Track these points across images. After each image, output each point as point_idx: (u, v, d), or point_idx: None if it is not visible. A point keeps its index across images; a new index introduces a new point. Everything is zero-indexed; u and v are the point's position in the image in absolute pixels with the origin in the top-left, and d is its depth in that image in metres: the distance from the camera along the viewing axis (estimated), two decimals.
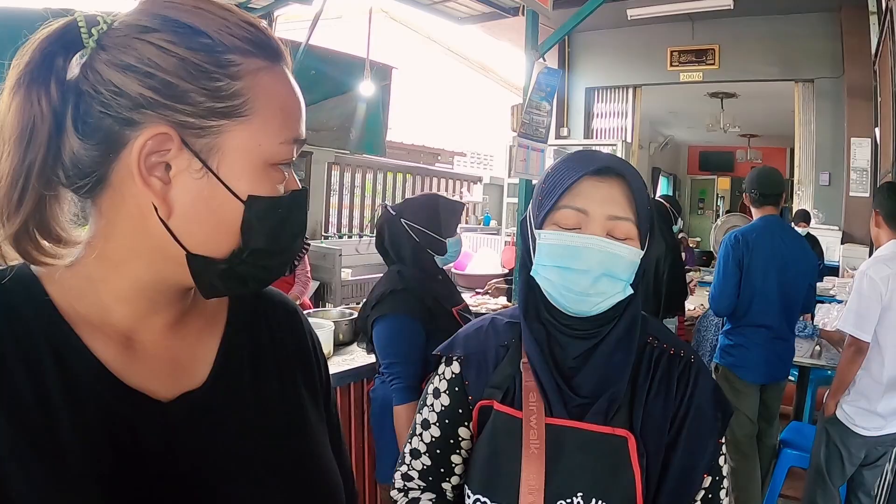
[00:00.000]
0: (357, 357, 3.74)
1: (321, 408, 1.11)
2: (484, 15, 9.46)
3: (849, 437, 3.52)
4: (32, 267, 0.85)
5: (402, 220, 2.98)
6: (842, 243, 8.60)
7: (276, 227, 0.87)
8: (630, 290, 1.37)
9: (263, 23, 0.91)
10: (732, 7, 8.80)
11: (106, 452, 0.79)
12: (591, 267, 1.33)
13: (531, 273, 1.42)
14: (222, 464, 0.90)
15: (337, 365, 3.56)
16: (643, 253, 1.38)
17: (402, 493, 1.55)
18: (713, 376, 4.29)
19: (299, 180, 0.94)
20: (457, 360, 1.53)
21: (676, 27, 10.25)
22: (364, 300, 3.16)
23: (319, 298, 6.68)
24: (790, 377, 4.83)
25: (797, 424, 4.95)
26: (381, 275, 3.11)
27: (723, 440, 1.46)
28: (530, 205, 1.48)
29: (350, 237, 9.02)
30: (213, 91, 0.81)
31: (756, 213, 4.39)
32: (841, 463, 3.58)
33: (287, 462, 0.98)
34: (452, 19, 9.79)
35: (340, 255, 6.84)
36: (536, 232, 1.41)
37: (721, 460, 1.45)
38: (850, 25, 8.67)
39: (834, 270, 8.08)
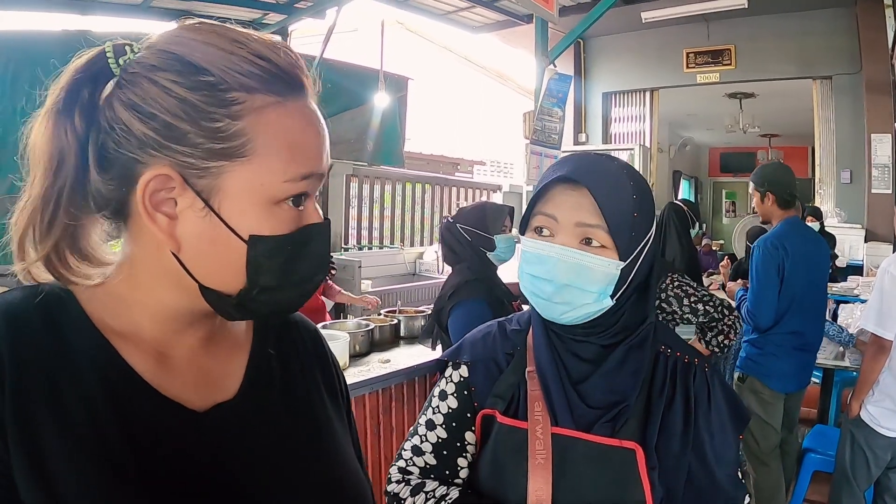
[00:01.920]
0: (373, 368, 3.74)
1: (343, 418, 1.13)
2: (498, 23, 9.51)
3: (874, 438, 3.45)
4: (69, 286, 0.87)
5: (457, 224, 3.33)
6: (865, 241, 8.50)
7: (286, 264, 0.86)
8: (609, 302, 1.33)
9: (284, 52, 0.88)
10: (747, 6, 8.75)
11: (152, 458, 0.81)
12: (554, 277, 1.32)
13: (518, 275, 1.42)
14: (258, 472, 0.92)
15: (352, 376, 3.56)
16: (625, 264, 1.32)
17: (404, 484, 1.49)
18: (734, 386, 4.30)
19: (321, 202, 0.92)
20: (465, 364, 1.51)
21: (691, 28, 10.20)
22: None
23: (340, 311, 6.68)
24: (814, 380, 4.77)
25: (821, 428, 4.87)
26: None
27: (741, 449, 1.43)
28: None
29: (370, 248, 9.02)
30: (213, 132, 0.81)
31: (779, 215, 4.17)
32: (867, 466, 3.51)
33: (318, 469, 1.00)
34: (467, 28, 9.84)
35: (360, 266, 6.85)
36: (521, 236, 1.42)
37: (739, 474, 1.42)
38: (867, 20, 8.58)
39: (858, 269, 7.97)
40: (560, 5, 7.11)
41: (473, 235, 3.30)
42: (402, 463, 1.52)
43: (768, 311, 3.97)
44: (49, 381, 0.78)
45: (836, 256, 7.88)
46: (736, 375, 4.31)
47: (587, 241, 1.32)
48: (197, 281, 0.85)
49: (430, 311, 5.02)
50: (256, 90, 0.82)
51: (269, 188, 0.83)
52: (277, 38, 0.91)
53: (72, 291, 0.86)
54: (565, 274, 1.31)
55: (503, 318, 1.62)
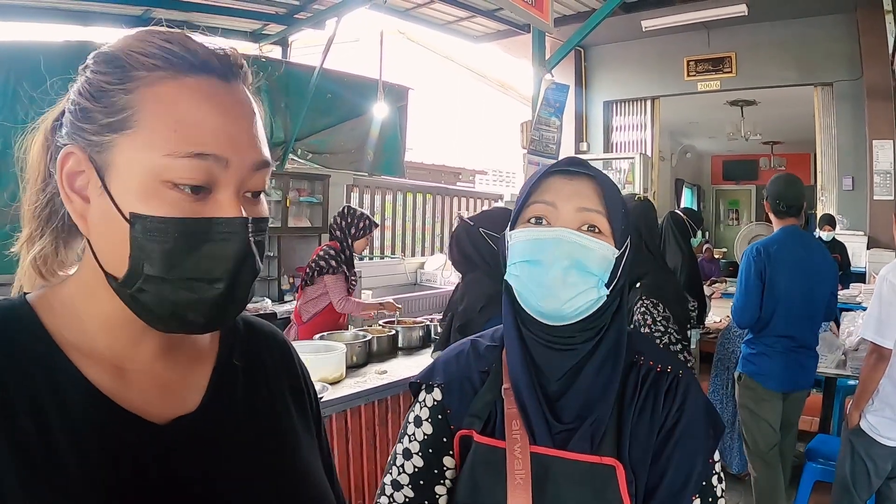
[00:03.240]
0: (369, 379, 3.74)
1: (313, 435, 1.11)
2: (499, 33, 9.52)
3: (874, 448, 3.42)
4: (29, 298, 0.89)
5: (479, 228, 3.13)
6: (867, 248, 8.46)
7: (174, 254, 0.81)
8: (605, 290, 1.31)
9: (195, 36, 0.88)
10: (747, 13, 8.76)
11: (107, 474, 0.80)
12: (558, 258, 1.28)
13: (505, 277, 1.37)
14: (217, 487, 0.90)
15: (349, 387, 3.56)
16: (619, 252, 1.32)
17: None
18: (736, 386, 4.33)
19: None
20: (438, 387, 1.47)
21: (692, 36, 10.21)
22: (449, 310, 3.32)
23: (339, 320, 6.67)
24: (815, 389, 4.76)
25: (823, 437, 4.85)
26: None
27: (716, 459, 1.39)
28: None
29: (371, 258, 9.02)
30: (109, 107, 0.82)
31: (777, 224, 4.31)
32: (867, 475, 3.48)
33: (281, 486, 0.98)
34: (468, 38, 9.86)
35: (361, 276, 6.84)
36: (508, 234, 1.38)
37: (714, 480, 1.37)
38: (867, 26, 8.58)
39: (860, 276, 7.95)
40: (558, 14, 7.12)
41: (496, 241, 3.03)
42: (384, 500, 1.46)
43: (749, 313, 4.21)
44: (2, 400, 0.77)
45: (849, 265, 7.86)
46: (735, 374, 4.47)
47: (589, 228, 1.31)
48: (101, 266, 0.84)
49: (431, 322, 5.04)
50: (157, 67, 0.83)
51: (151, 162, 0.80)
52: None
53: (33, 308, 0.87)
54: (568, 254, 1.28)
55: (475, 336, 1.58)
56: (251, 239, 0.86)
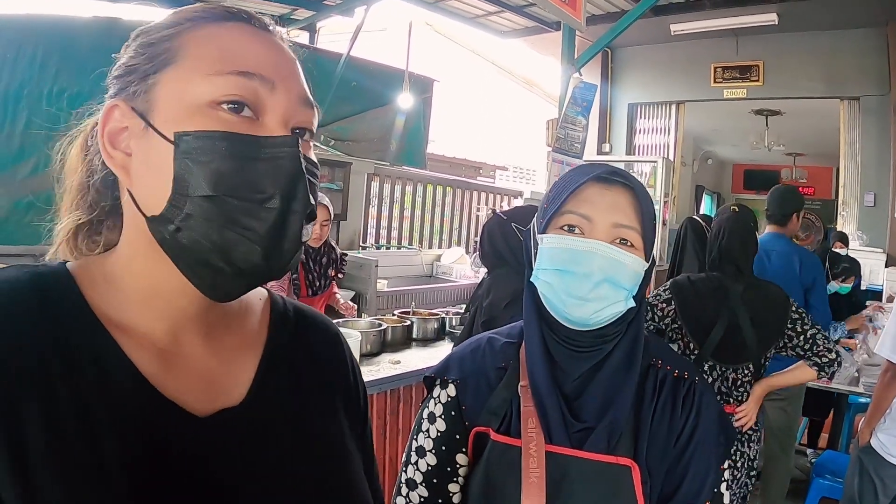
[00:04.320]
0: (382, 368, 3.75)
1: (358, 435, 1.07)
2: (527, 29, 9.51)
3: (883, 467, 3.39)
4: (70, 267, 0.86)
5: (512, 223, 3.12)
6: (886, 266, 8.39)
7: (223, 169, 0.78)
8: (632, 303, 1.32)
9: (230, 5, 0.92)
10: (777, 22, 8.70)
11: (143, 462, 0.77)
12: (592, 271, 1.29)
13: (531, 279, 1.38)
14: (253, 485, 0.86)
15: (363, 375, 3.56)
16: (647, 266, 1.35)
17: None
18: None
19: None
20: (452, 382, 1.46)
21: (720, 43, 10.13)
22: (473, 304, 3.32)
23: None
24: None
25: (831, 453, 4.85)
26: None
27: (726, 466, 1.41)
28: (536, 215, 1.45)
29: (388, 248, 9.02)
30: (152, 54, 0.83)
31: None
32: (875, 494, 3.45)
33: (319, 489, 0.94)
34: (495, 33, 9.85)
35: (377, 265, 6.85)
36: (539, 237, 1.37)
37: (723, 487, 1.40)
38: None
39: (878, 295, 7.90)
40: (589, 14, 7.10)
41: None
42: (400, 500, 1.46)
43: None
44: (42, 372, 0.74)
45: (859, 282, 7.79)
46: None
47: (621, 242, 1.32)
48: (143, 213, 0.81)
49: (446, 314, 5.05)
50: (199, 19, 0.85)
51: (195, 87, 0.79)
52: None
53: (75, 279, 0.84)
54: (602, 269, 1.29)
55: (491, 332, 1.58)
56: (303, 162, 0.82)
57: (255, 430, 0.88)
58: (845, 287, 5.71)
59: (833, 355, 3.15)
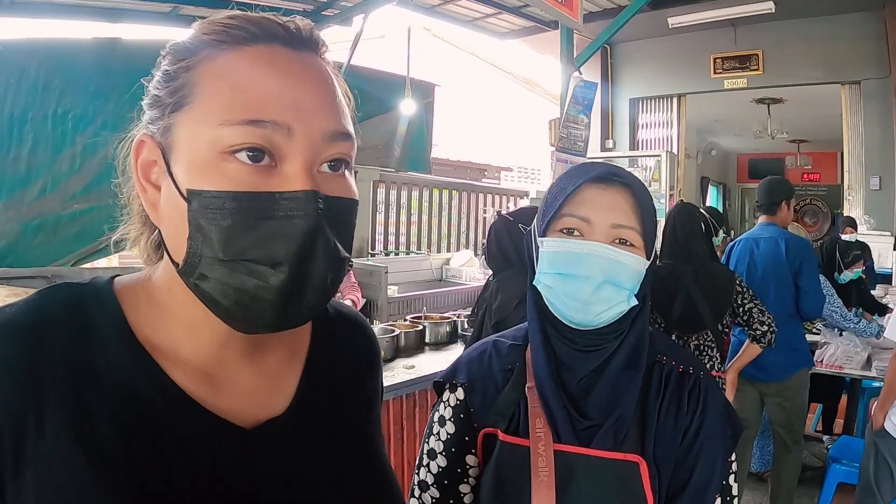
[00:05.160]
0: (397, 374, 3.77)
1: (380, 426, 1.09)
2: (525, 29, 9.53)
3: None
4: (116, 288, 0.85)
5: (519, 224, 3.13)
6: (895, 249, 8.38)
7: (234, 231, 0.74)
8: (634, 301, 1.33)
9: (259, 13, 0.83)
10: (774, 11, 8.70)
11: (191, 478, 0.78)
12: (593, 273, 1.30)
13: (533, 283, 1.39)
14: (298, 494, 0.87)
15: None
16: (649, 263, 1.36)
17: None
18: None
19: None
20: (461, 386, 1.49)
21: (718, 34, 10.15)
22: (480, 307, 3.33)
23: (366, 316, 6.70)
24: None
25: (846, 438, 4.85)
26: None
27: (733, 459, 1.43)
28: (536, 216, 1.45)
29: (397, 254, 9.04)
30: (172, 88, 0.79)
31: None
32: (891, 477, 3.46)
33: (366, 490, 0.95)
34: (494, 35, 9.87)
35: (387, 272, 6.87)
36: (539, 240, 1.38)
37: (731, 479, 1.42)
38: None
39: (888, 278, 7.88)
40: (586, 11, 7.12)
41: None
42: (413, 502, 1.49)
43: None
44: (76, 396, 0.75)
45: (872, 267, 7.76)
46: None
47: (620, 242, 1.33)
48: (170, 256, 0.80)
49: (458, 318, 5.06)
50: (218, 43, 0.79)
51: (207, 134, 0.75)
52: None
53: (119, 301, 0.84)
54: (603, 271, 1.30)
55: (497, 335, 1.60)
56: (322, 216, 0.76)
57: (298, 438, 0.89)
58: (857, 272, 5.70)
59: (765, 327, 3.71)
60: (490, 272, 3.35)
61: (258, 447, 0.84)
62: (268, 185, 0.75)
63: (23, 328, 0.76)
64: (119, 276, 0.89)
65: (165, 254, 0.82)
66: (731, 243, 4.71)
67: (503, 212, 3.27)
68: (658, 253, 1.42)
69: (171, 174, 0.77)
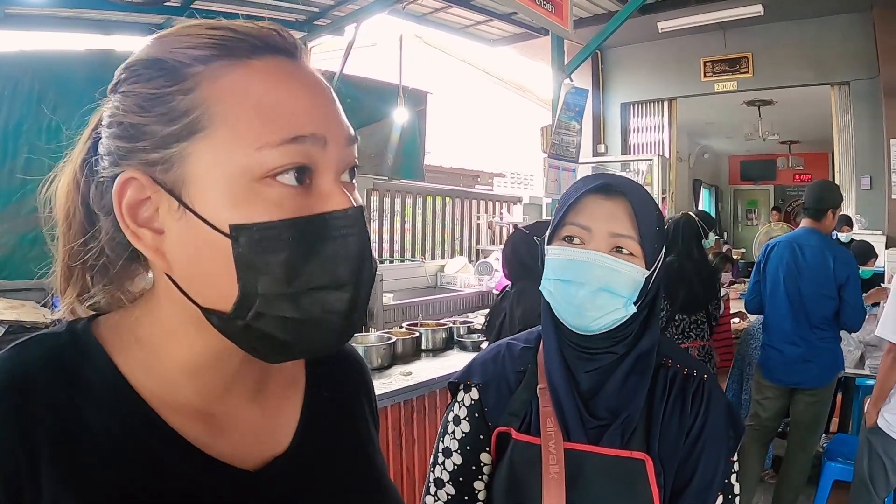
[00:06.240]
0: (394, 381, 3.80)
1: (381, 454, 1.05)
2: (516, 36, 9.54)
3: (892, 446, 3.45)
4: (96, 333, 0.79)
5: (535, 237, 3.14)
6: (886, 248, 8.39)
7: (293, 262, 0.69)
8: (633, 309, 1.39)
9: (244, 22, 0.76)
10: (763, 14, 8.75)
11: None
12: (588, 281, 1.36)
13: (540, 287, 1.46)
14: None
15: (374, 389, 3.60)
16: (649, 272, 1.40)
17: None
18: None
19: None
20: (475, 387, 1.55)
21: (708, 37, 10.18)
22: (497, 316, 3.53)
23: (362, 323, 6.69)
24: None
25: (842, 436, 4.89)
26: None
27: (735, 458, 1.47)
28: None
29: (392, 262, 9.05)
30: (167, 114, 0.70)
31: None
32: (885, 474, 3.51)
33: None
34: (485, 42, 9.89)
35: (382, 280, 6.88)
36: (546, 248, 1.46)
37: (733, 478, 1.46)
38: (884, 25, 8.57)
39: (880, 277, 7.91)
40: (576, 17, 7.16)
41: None
42: (429, 499, 1.55)
43: (748, 297, 4.96)
44: (70, 455, 0.70)
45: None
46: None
47: (618, 250, 1.38)
48: (196, 303, 0.73)
49: (454, 324, 5.08)
50: (215, 58, 0.71)
51: (241, 161, 0.68)
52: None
53: (103, 346, 0.78)
54: (598, 278, 1.36)
55: (510, 338, 1.66)
56: (368, 231, 0.75)
57: (304, 472, 0.86)
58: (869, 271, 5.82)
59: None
60: (494, 282, 3.46)
61: (265, 489, 0.81)
62: (311, 204, 0.71)
63: (2, 391, 0.70)
64: (97, 315, 0.82)
65: (165, 298, 0.77)
66: (769, 243, 4.82)
67: (519, 225, 3.46)
68: (664, 255, 1.46)
69: (192, 210, 0.70)
